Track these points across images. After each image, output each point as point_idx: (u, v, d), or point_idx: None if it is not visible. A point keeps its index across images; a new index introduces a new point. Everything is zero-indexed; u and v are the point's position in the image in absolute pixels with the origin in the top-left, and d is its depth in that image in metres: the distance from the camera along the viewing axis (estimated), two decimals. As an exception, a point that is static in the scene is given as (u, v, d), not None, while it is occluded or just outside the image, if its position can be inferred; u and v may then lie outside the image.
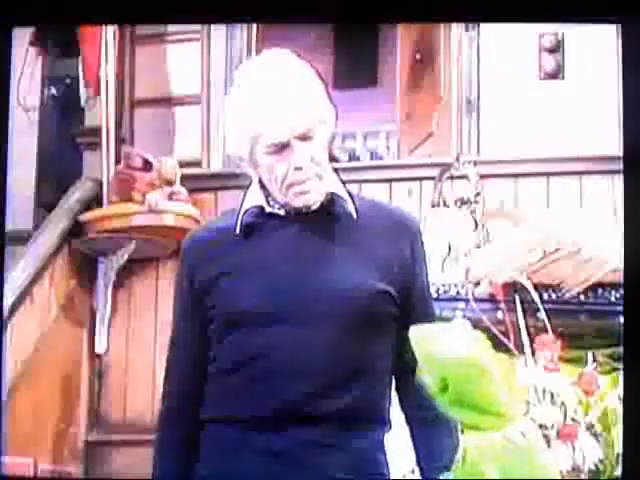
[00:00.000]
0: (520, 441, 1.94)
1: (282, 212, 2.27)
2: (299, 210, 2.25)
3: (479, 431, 1.93)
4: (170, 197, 5.22)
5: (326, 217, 2.26)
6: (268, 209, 2.27)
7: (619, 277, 3.62)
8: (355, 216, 2.28)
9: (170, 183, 5.22)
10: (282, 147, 2.20)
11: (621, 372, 3.25)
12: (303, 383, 2.18)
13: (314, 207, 2.25)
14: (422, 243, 2.35)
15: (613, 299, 3.86)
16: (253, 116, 2.19)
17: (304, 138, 2.20)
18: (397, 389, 2.33)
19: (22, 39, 5.47)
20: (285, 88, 2.20)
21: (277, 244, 2.25)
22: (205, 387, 2.29)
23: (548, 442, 3.38)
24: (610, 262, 3.77)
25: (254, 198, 2.29)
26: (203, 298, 2.28)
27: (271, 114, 2.18)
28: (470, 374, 1.91)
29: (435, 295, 3.74)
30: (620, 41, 2.82)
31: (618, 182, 4.52)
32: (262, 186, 2.28)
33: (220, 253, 2.28)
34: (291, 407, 2.17)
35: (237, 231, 2.27)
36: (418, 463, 2.31)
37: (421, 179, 5.15)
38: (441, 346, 1.94)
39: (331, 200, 2.27)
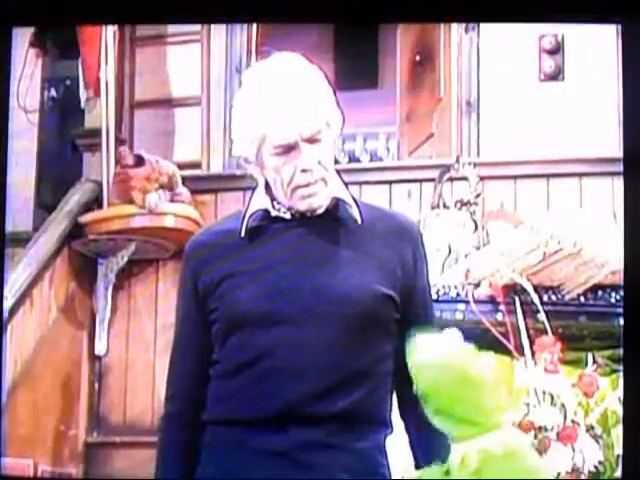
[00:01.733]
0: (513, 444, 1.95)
1: (287, 215, 2.26)
2: (304, 213, 2.25)
3: (457, 440, 1.94)
4: (172, 198, 5.22)
5: (331, 221, 2.26)
6: (273, 212, 2.27)
7: (619, 279, 3.62)
8: (360, 221, 2.28)
9: (171, 181, 5.21)
10: (289, 148, 2.19)
11: (621, 374, 3.25)
12: (305, 384, 2.17)
13: (319, 211, 2.25)
14: (423, 248, 2.36)
15: (613, 301, 3.86)
16: (261, 117, 2.19)
17: (312, 141, 2.20)
18: (397, 395, 2.32)
19: (22, 39, 5.48)
20: (294, 90, 2.20)
21: (281, 247, 2.25)
22: (207, 389, 2.28)
23: (548, 444, 3.37)
24: (610, 263, 3.77)
25: (259, 201, 2.29)
26: (206, 300, 2.28)
27: (280, 115, 2.18)
28: (455, 383, 1.92)
29: (435, 297, 3.73)
30: (620, 41, 2.82)
31: (618, 183, 4.52)
32: (267, 189, 2.28)
33: (224, 256, 2.27)
34: (293, 408, 2.17)
35: (242, 234, 2.27)
36: (417, 468, 2.31)
37: (421, 181, 5.16)
38: (429, 354, 1.95)
39: (336, 205, 2.27)
